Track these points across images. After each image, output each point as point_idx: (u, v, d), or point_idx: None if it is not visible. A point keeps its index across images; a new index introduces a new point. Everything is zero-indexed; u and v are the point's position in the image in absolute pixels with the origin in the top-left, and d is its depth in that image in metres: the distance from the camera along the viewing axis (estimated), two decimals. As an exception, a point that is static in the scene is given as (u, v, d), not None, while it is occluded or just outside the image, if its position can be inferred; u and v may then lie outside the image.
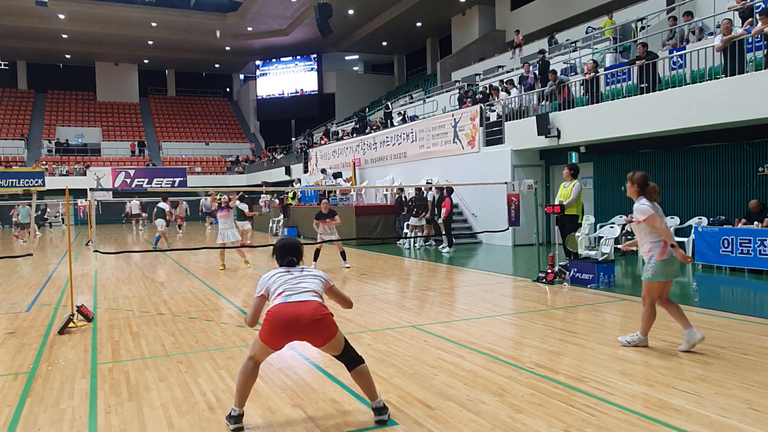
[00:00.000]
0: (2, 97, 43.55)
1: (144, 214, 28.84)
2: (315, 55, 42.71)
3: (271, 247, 4.06)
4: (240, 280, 10.59)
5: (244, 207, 13.98)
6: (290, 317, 3.57)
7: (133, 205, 29.09)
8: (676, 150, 12.73)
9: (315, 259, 11.45)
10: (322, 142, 29.64)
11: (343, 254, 11.90)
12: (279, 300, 3.64)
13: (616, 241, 12.38)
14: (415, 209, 16.40)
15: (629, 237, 12.56)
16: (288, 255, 3.91)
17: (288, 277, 3.77)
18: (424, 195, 16.39)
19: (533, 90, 15.74)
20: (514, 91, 16.68)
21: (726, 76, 10.37)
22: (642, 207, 5.21)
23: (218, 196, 13.00)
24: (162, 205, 17.98)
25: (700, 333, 5.10)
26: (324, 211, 11.68)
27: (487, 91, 17.85)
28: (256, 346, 3.72)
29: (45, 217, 30.75)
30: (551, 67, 15.62)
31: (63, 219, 32.68)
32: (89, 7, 34.22)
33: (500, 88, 17.04)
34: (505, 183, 11.24)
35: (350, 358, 3.77)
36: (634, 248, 5.82)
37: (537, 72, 16.39)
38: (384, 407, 3.75)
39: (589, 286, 8.68)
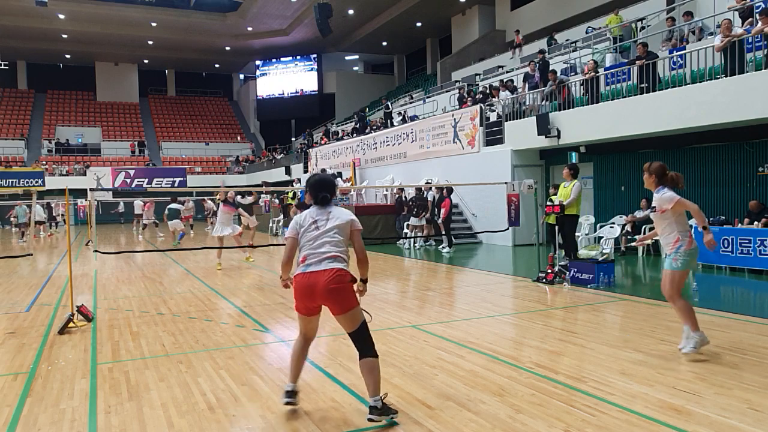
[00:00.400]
0: (2, 97, 43.54)
1: None
2: (315, 55, 42.69)
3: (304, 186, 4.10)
4: (240, 280, 10.59)
5: (246, 202, 14.00)
6: (307, 286, 3.73)
7: (137, 205, 29.07)
8: (676, 150, 12.73)
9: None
10: (322, 142, 29.64)
11: None
12: (300, 269, 3.78)
13: (617, 241, 12.38)
14: (415, 209, 16.40)
15: (629, 237, 12.58)
16: (322, 191, 3.97)
17: (313, 234, 3.83)
18: (424, 195, 16.40)
19: (537, 89, 15.74)
20: (508, 93, 16.65)
21: (726, 76, 10.37)
22: (667, 195, 4.95)
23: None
24: (174, 205, 17.98)
25: (695, 338, 4.95)
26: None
27: (487, 91, 17.84)
28: (298, 319, 3.95)
29: (54, 215, 30.68)
30: (551, 67, 15.62)
31: (64, 219, 32.63)
32: (89, 7, 34.22)
33: (500, 88, 17.04)
34: (505, 183, 11.26)
35: (364, 344, 3.72)
36: (650, 241, 5.67)
37: (538, 72, 16.39)
38: (381, 408, 3.62)
39: (589, 286, 8.68)
